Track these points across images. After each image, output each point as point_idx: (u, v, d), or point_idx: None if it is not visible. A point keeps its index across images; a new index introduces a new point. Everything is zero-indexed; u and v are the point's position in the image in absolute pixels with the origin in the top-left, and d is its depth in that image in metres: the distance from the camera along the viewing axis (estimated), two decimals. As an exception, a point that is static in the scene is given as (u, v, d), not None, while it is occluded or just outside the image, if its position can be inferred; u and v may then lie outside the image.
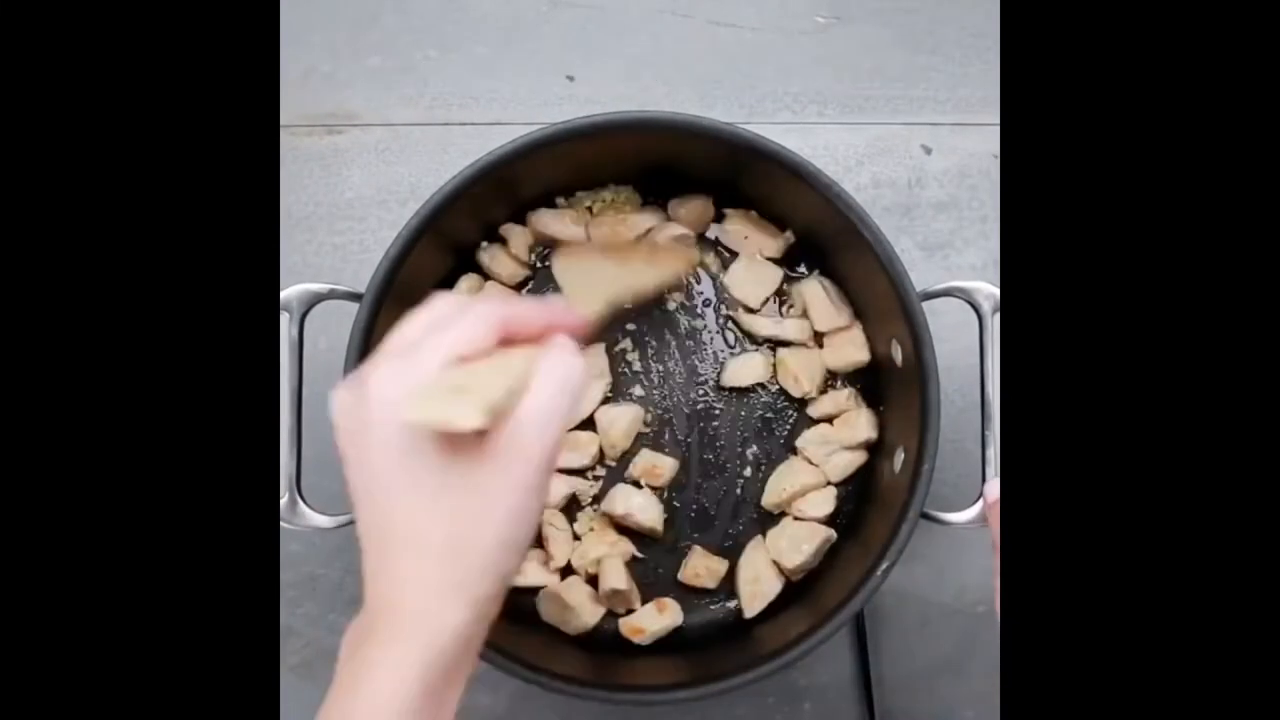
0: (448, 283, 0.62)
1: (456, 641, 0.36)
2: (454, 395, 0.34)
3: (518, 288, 0.62)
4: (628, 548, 0.60)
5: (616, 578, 0.58)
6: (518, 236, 0.62)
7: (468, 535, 0.36)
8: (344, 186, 0.67)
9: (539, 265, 0.63)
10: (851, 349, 0.61)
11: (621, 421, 0.61)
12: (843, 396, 0.61)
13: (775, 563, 0.60)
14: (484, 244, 0.62)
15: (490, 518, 0.36)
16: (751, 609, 0.59)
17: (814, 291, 0.61)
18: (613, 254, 0.57)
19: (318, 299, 0.54)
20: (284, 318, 0.53)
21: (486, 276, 0.62)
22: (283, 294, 0.53)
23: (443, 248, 0.60)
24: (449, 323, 0.37)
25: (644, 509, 0.60)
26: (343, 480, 0.50)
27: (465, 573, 0.36)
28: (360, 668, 0.36)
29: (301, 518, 0.53)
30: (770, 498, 0.61)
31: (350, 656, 0.37)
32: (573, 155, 0.56)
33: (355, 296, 0.54)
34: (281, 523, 0.53)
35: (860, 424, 0.60)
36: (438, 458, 0.36)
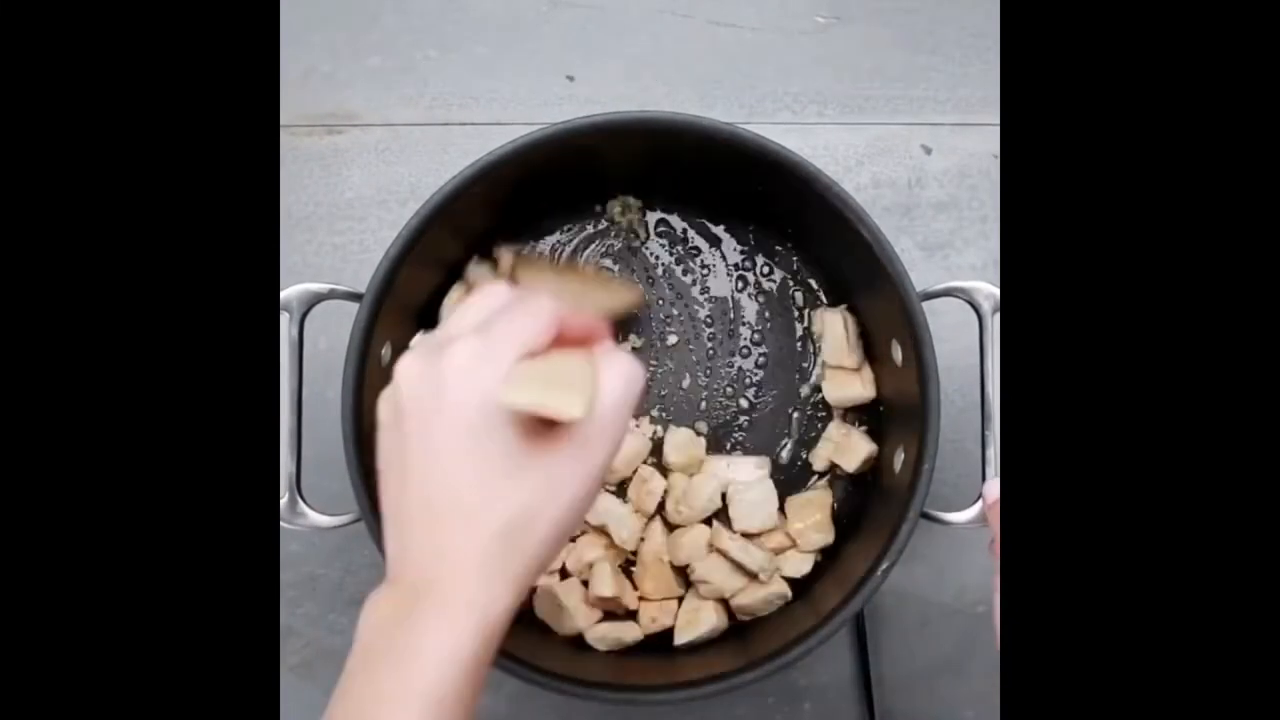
0: (447, 281, 0.62)
1: (503, 622, 0.37)
2: (550, 385, 0.36)
3: None
4: (621, 553, 0.60)
5: (603, 584, 0.58)
6: (507, 258, 0.62)
7: (530, 519, 0.37)
8: (344, 186, 0.67)
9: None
10: (858, 386, 0.61)
11: (627, 450, 0.60)
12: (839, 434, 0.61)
13: (723, 600, 0.59)
14: (475, 259, 0.62)
15: (555, 504, 0.37)
16: (681, 637, 0.59)
17: (834, 324, 0.61)
18: (569, 275, 0.59)
19: (318, 299, 0.54)
20: (284, 318, 0.53)
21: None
22: (283, 294, 0.53)
23: (443, 249, 0.60)
24: (516, 312, 0.38)
25: (620, 521, 0.59)
26: (343, 481, 0.51)
27: (520, 555, 0.37)
28: (410, 638, 0.36)
29: (301, 517, 0.53)
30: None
31: (388, 629, 0.37)
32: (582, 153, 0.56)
33: (355, 296, 0.54)
34: (281, 523, 0.53)
35: (859, 448, 0.60)
36: (513, 440, 0.36)
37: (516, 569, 0.37)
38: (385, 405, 0.39)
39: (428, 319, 0.61)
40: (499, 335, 0.37)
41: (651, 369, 0.63)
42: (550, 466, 0.37)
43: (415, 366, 0.38)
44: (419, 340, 0.39)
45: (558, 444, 0.37)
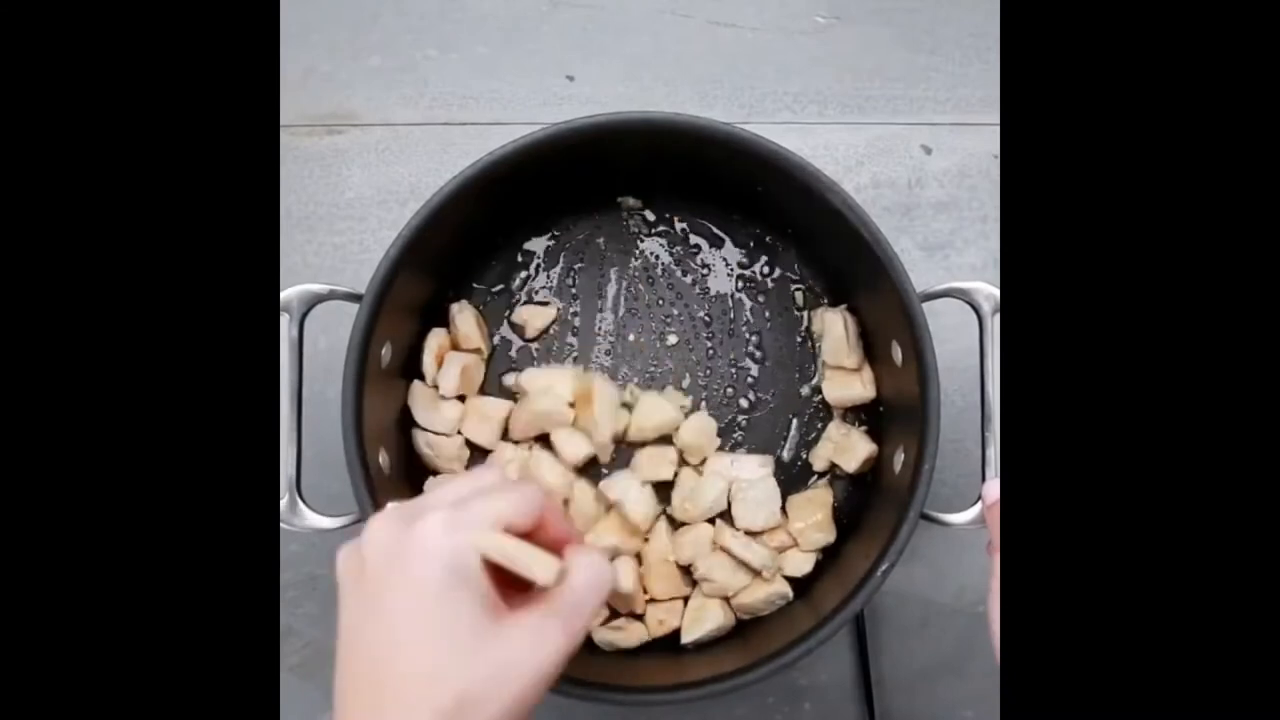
0: (448, 280, 0.62)
1: None
2: (522, 549, 0.37)
3: (476, 351, 0.62)
4: (638, 544, 0.60)
5: (625, 577, 0.58)
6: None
7: (483, 698, 0.35)
8: (344, 186, 0.67)
9: (495, 348, 0.63)
10: (858, 386, 0.61)
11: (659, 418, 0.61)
12: (839, 434, 0.61)
13: (726, 599, 0.59)
14: (461, 303, 0.62)
15: (509, 685, 0.36)
16: (688, 635, 0.59)
17: (835, 324, 0.61)
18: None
19: (318, 300, 0.54)
20: (284, 318, 0.53)
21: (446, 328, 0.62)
22: (283, 295, 0.53)
23: (443, 250, 0.60)
24: (498, 491, 0.39)
25: (637, 502, 0.59)
26: (342, 481, 0.51)
27: None
28: None
29: (301, 518, 0.53)
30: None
31: None
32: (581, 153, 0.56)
33: (355, 297, 0.54)
34: (281, 524, 0.53)
35: (858, 448, 0.60)
36: (477, 609, 0.36)
37: None
38: (348, 561, 0.38)
39: (428, 319, 0.61)
40: (477, 510, 0.37)
41: (652, 370, 0.63)
42: (510, 642, 0.36)
43: (386, 527, 0.37)
44: (393, 507, 0.39)
45: (521, 618, 0.36)
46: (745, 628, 0.60)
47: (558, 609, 0.37)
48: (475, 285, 0.63)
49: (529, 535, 0.39)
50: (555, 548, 0.40)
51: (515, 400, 0.61)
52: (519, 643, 0.36)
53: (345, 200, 0.67)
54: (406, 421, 0.61)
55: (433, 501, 0.39)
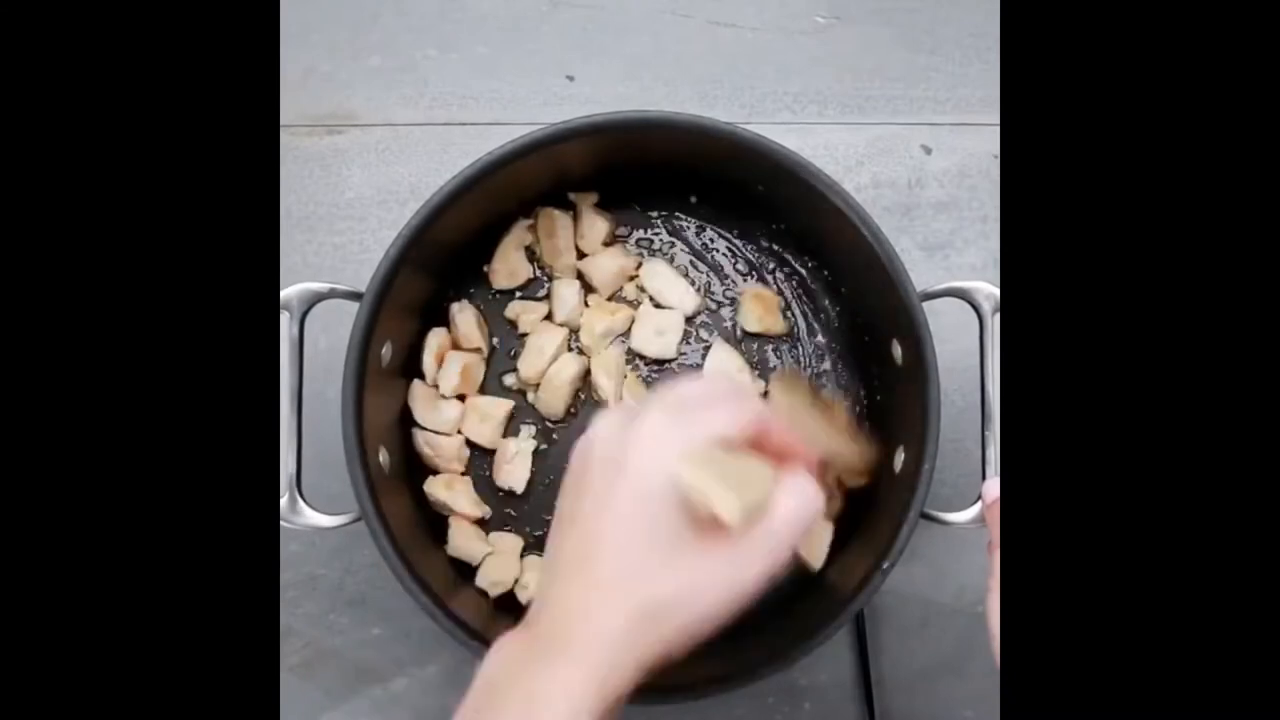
0: (447, 279, 0.62)
1: (622, 696, 0.37)
2: (722, 478, 0.36)
3: (476, 351, 0.62)
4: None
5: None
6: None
7: (674, 606, 0.37)
8: (344, 186, 0.67)
9: (495, 348, 0.63)
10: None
11: None
12: None
13: None
14: (461, 302, 0.62)
15: (700, 599, 0.38)
16: None
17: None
18: (821, 410, 0.57)
19: (318, 298, 0.54)
20: (284, 317, 0.53)
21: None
22: (283, 293, 0.53)
23: (444, 249, 0.60)
24: (720, 401, 0.39)
25: None
26: (342, 481, 0.51)
27: (655, 638, 0.37)
28: (538, 684, 0.36)
29: (301, 517, 0.53)
30: None
31: (516, 671, 0.38)
32: (567, 155, 0.56)
33: (355, 296, 0.54)
34: (282, 521, 0.53)
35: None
36: (683, 523, 0.37)
37: (646, 650, 0.37)
38: (576, 455, 0.40)
39: (428, 318, 0.61)
40: (699, 416, 0.38)
41: (653, 374, 0.63)
42: (707, 561, 0.37)
43: (611, 425, 0.39)
44: (621, 407, 0.40)
45: (719, 542, 0.37)
46: (745, 626, 0.59)
47: (758, 538, 0.38)
48: (475, 286, 0.63)
49: (753, 445, 0.40)
50: (779, 460, 0.40)
51: (519, 397, 0.62)
52: (712, 563, 0.37)
53: (345, 200, 0.67)
54: (407, 421, 0.61)
55: (659, 401, 0.39)
